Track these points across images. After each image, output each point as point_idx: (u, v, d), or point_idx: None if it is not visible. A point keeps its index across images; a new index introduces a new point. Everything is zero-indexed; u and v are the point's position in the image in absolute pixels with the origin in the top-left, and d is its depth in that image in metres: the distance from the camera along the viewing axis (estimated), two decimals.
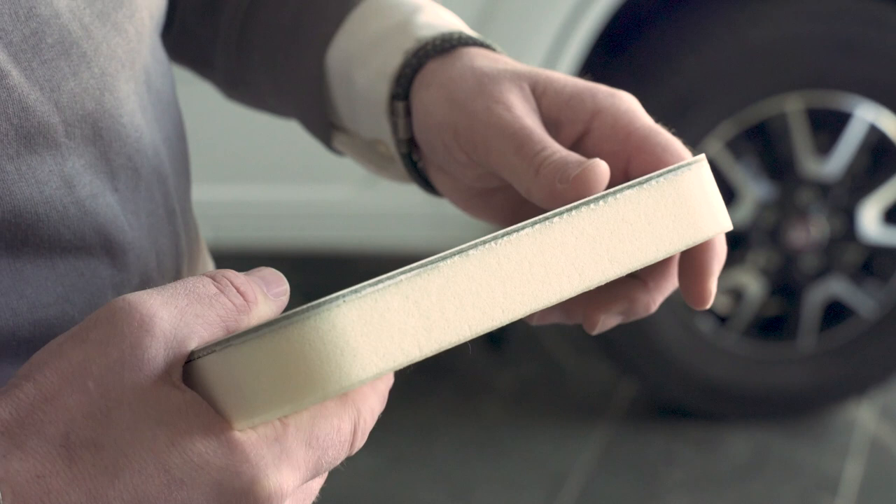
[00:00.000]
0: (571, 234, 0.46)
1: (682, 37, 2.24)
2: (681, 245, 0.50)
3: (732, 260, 2.38)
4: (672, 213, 0.49)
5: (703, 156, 0.52)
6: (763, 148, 2.32)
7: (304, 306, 0.41)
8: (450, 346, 0.43)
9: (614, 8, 2.17)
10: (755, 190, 2.32)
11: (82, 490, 0.42)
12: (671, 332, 2.34)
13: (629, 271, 0.48)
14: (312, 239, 2.35)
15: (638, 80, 2.23)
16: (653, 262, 0.49)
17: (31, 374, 0.44)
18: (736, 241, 2.37)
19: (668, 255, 0.49)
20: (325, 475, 0.48)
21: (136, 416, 0.42)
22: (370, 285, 0.42)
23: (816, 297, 2.38)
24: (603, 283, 0.47)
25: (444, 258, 0.43)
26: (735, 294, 2.40)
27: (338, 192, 2.27)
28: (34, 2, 0.53)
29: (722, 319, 2.42)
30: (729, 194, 2.32)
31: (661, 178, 0.49)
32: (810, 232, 2.33)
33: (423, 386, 2.58)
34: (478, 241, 0.45)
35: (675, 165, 0.50)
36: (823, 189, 2.32)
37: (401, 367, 0.42)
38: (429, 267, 0.43)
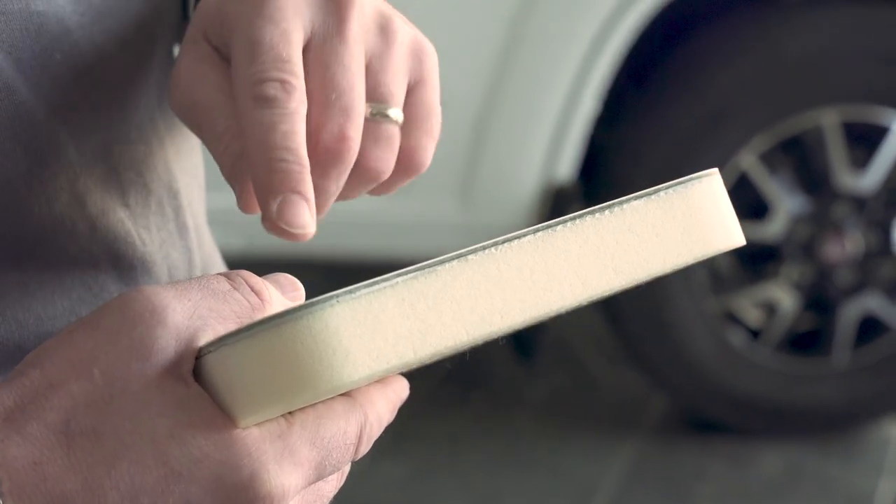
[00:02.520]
0: (575, 242, 0.46)
1: (718, 48, 2.23)
2: (690, 258, 0.49)
3: (766, 273, 2.36)
4: (681, 225, 0.49)
5: (715, 170, 0.51)
6: (798, 161, 2.30)
7: (298, 304, 0.41)
8: (447, 351, 0.43)
9: (650, 17, 2.16)
10: (789, 204, 2.30)
11: (78, 478, 0.41)
12: (703, 345, 2.33)
13: (635, 282, 0.47)
14: (344, 248, 2.36)
15: (673, 90, 2.22)
16: (660, 274, 0.49)
17: (39, 360, 0.43)
18: (769, 254, 2.35)
19: (676, 268, 0.49)
20: (341, 481, 0.48)
21: (138, 406, 0.42)
22: (365, 286, 0.42)
23: (851, 312, 2.36)
24: (607, 294, 0.47)
25: (442, 262, 0.43)
26: (768, 308, 2.39)
27: (369, 201, 2.27)
28: (45, 18, 0.53)
29: (755, 334, 2.40)
30: (763, 208, 2.30)
31: (671, 190, 0.49)
32: (845, 246, 2.32)
33: (454, 396, 2.58)
34: (477, 246, 0.44)
35: (686, 178, 0.50)
36: (859, 203, 2.30)
37: (395, 369, 0.42)
38: (426, 270, 0.43)
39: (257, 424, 0.43)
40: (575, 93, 2.16)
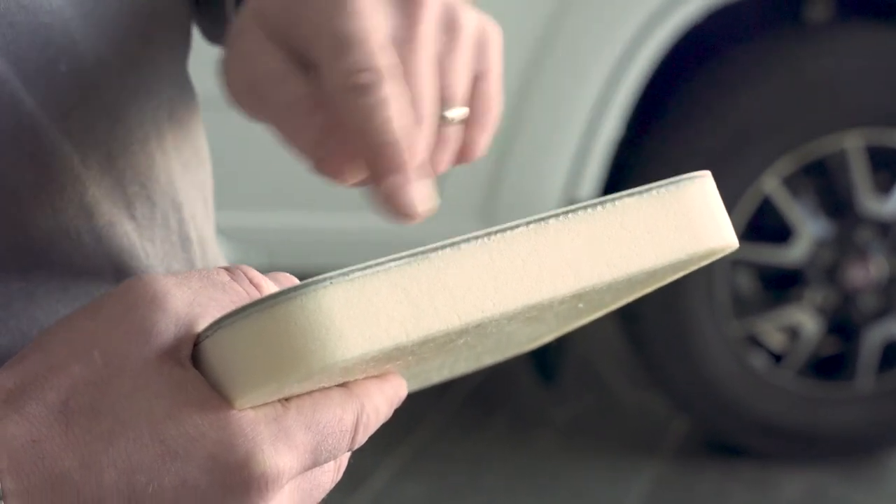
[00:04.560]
0: (567, 235, 0.47)
1: (741, 70, 2.24)
2: (682, 255, 0.50)
3: (789, 297, 2.36)
4: (673, 223, 0.50)
5: (707, 172, 0.53)
6: (822, 185, 2.30)
7: (292, 286, 0.42)
8: (439, 335, 0.44)
9: (675, 39, 2.17)
10: (813, 227, 2.30)
11: (76, 456, 0.42)
12: (726, 369, 2.32)
13: (627, 276, 0.48)
14: None
15: (696, 113, 2.23)
16: (653, 269, 0.49)
17: (41, 344, 0.44)
18: (792, 278, 2.35)
19: (668, 264, 0.50)
20: (338, 474, 0.49)
21: (136, 387, 0.43)
22: (359, 269, 0.43)
23: (875, 337, 2.35)
24: (600, 286, 0.48)
25: (434, 249, 0.44)
26: (791, 332, 2.38)
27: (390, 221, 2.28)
28: (51, 30, 0.54)
29: (777, 358, 2.39)
30: (786, 231, 2.30)
31: (663, 189, 0.50)
32: (869, 271, 2.31)
33: (476, 417, 2.58)
34: (470, 235, 0.45)
35: (679, 178, 0.51)
36: (883, 228, 2.30)
37: (387, 350, 0.43)
38: (419, 257, 0.44)
39: (254, 407, 0.43)
40: (598, 113, 2.17)
